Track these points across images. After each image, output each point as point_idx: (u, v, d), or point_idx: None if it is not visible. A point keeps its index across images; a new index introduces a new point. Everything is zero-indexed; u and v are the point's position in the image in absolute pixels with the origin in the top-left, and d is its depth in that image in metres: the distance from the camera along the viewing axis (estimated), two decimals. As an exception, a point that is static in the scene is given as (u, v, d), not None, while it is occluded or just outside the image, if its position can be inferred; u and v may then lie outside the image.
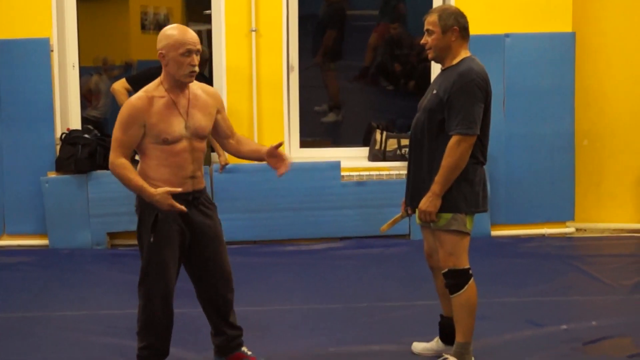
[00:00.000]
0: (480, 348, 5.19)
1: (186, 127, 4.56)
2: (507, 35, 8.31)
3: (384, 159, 8.36)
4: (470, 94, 4.64)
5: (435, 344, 5.15)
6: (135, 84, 7.67)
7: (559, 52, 8.36)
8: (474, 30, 8.14)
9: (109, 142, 8.04)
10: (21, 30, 7.98)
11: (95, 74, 10.55)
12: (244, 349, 5.02)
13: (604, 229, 8.68)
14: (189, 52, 4.47)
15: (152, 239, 4.55)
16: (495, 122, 8.20)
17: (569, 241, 8.32)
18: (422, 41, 4.85)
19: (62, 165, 7.97)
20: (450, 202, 4.71)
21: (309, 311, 6.11)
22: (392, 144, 8.38)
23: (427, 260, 5.12)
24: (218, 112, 4.78)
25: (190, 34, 4.51)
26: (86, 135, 8.06)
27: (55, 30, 8.05)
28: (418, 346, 5.21)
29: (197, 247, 4.73)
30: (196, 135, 4.62)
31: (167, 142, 4.51)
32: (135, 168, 4.59)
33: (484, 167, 4.88)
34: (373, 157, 8.41)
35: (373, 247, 7.89)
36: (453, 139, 4.62)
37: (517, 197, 8.41)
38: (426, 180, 4.77)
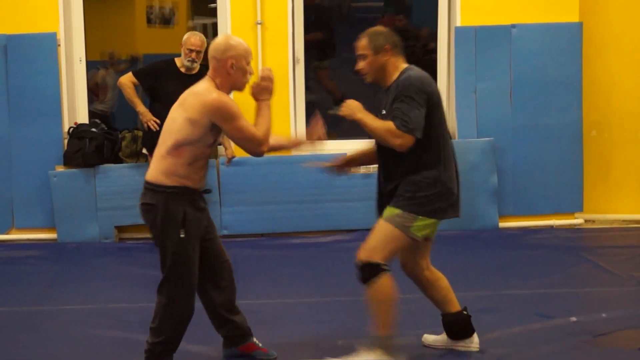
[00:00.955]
0: (489, 341, 5.19)
1: None
2: (513, 26, 8.29)
3: (391, 151, 8.34)
4: (408, 99, 4.60)
5: (446, 336, 5.14)
6: (142, 78, 7.69)
7: (566, 43, 8.34)
8: (480, 21, 8.23)
9: (116, 136, 8.15)
10: (28, 25, 8.00)
11: (102, 68, 10.56)
12: (255, 340, 5.04)
13: (613, 220, 8.67)
14: (250, 63, 4.74)
15: (182, 235, 4.55)
16: (502, 114, 8.30)
17: (578, 232, 8.31)
18: (357, 67, 4.82)
19: (70, 159, 7.99)
20: (405, 201, 4.68)
21: (316, 304, 6.10)
22: (398, 136, 8.36)
23: (403, 271, 5.03)
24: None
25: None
26: (93, 129, 8.07)
27: (62, 24, 8.06)
28: (429, 338, 5.20)
29: (208, 240, 4.81)
30: None
31: (213, 145, 4.72)
32: (161, 165, 4.60)
33: (450, 172, 4.80)
34: (380, 149, 8.39)
35: (380, 239, 7.88)
36: (393, 127, 4.61)
37: (525, 188, 8.40)
38: (394, 186, 4.78)
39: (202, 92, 4.58)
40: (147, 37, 11.43)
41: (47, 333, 5.58)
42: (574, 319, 5.60)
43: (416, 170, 4.69)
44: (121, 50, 10.93)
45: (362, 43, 4.78)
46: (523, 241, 7.93)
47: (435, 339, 5.18)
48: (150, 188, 4.58)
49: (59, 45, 8.05)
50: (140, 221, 8.08)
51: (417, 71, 4.74)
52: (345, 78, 9.79)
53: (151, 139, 7.69)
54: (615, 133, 8.64)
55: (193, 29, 10.51)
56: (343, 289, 6.46)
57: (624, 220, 8.66)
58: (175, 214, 4.54)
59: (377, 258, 4.67)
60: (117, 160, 8.11)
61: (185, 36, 7.59)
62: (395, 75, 4.75)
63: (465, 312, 5.04)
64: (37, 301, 6.31)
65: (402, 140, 4.61)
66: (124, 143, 8.11)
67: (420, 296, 5.63)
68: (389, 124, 4.62)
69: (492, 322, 5.52)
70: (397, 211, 4.69)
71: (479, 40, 8.30)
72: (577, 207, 8.48)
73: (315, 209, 8.13)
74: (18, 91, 8.04)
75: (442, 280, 5.05)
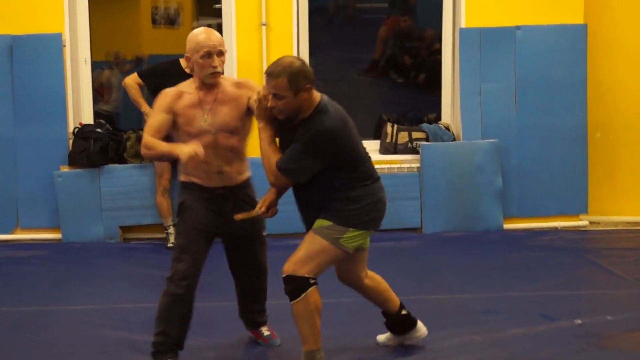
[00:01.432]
0: (493, 342, 5.20)
1: (209, 123, 4.72)
2: (518, 28, 8.29)
3: (395, 152, 8.35)
4: (307, 148, 4.44)
5: (393, 337, 5.24)
6: (147, 79, 7.69)
7: (570, 44, 8.33)
8: (485, 22, 8.23)
9: (121, 137, 8.16)
10: (33, 26, 8.01)
11: (106, 69, 10.56)
12: (263, 329, 5.27)
13: (618, 222, 8.66)
14: (209, 55, 4.67)
15: (176, 220, 4.84)
16: (507, 115, 8.30)
17: (583, 234, 8.30)
18: (270, 104, 4.49)
19: (75, 159, 7.99)
20: (337, 212, 4.59)
21: (329, 305, 6.09)
22: (403, 137, 8.37)
23: (341, 282, 5.03)
24: (250, 98, 4.77)
25: (213, 37, 4.71)
26: (98, 130, 8.08)
27: (67, 25, 8.07)
28: (381, 338, 5.26)
29: (233, 243, 4.99)
30: (222, 130, 4.76)
31: (190, 135, 4.69)
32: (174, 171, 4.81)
33: (373, 187, 4.69)
34: (384, 150, 8.40)
35: (385, 240, 7.86)
36: (274, 162, 4.52)
37: (530, 190, 8.39)
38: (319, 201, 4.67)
39: None
40: (152, 37, 11.42)
41: (52, 333, 5.58)
42: (579, 321, 5.59)
43: (345, 189, 4.60)
44: (126, 50, 10.93)
45: (280, 82, 4.40)
46: (528, 243, 7.92)
47: (387, 337, 5.24)
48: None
49: (64, 45, 8.06)
50: (145, 221, 8.13)
51: (329, 116, 4.48)
52: (349, 78, 9.81)
53: (156, 139, 7.71)
54: (620, 134, 8.63)
55: (198, 29, 10.50)
56: (347, 290, 6.44)
57: (628, 222, 8.65)
58: (179, 202, 4.84)
59: (303, 271, 4.56)
60: (122, 160, 8.12)
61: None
62: (309, 112, 4.51)
63: (403, 312, 5.12)
64: (41, 301, 6.30)
65: (275, 180, 4.58)
66: (128, 143, 8.12)
67: (422, 297, 5.67)
68: (273, 158, 4.53)
69: (497, 324, 5.52)
70: (326, 223, 4.59)
71: (483, 42, 8.30)
72: (582, 208, 8.47)
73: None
74: (23, 91, 8.05)
75: (382, 283, 5.08)
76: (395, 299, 5.10)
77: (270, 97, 4.47)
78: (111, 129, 8.28)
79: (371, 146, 8.56)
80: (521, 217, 8.42)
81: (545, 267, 7.07)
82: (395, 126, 8.43)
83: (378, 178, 4.76)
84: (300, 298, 4.55)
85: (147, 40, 11.46)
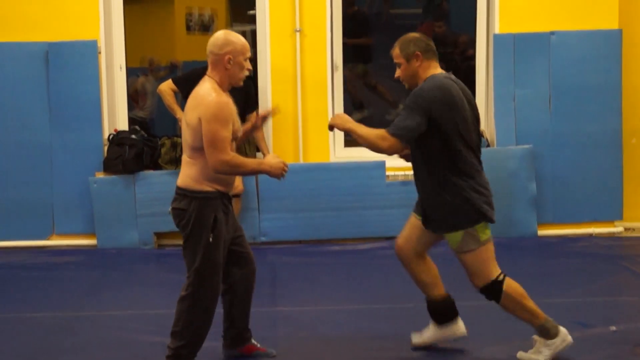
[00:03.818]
0: (528, 348, 5.16)
1: (237, 128, 4.82)
2: (552, 33, 8.25)
3: (429, 158, 8.32)
4: (408, 109, 4.70)
5: (432, 330, 5.26)
6: (181, 85, 7.72)
7: (605, 50, 8.28)
8: (519, 28, 8.19)
9: (156, 143, 8.20)
10: (69, 33, 8.08)
11: (141, 75, 10.62)
12: (254, 341, 5.19)
13: (653, 228, 8.60)
14: (248, 58, 4.78)
15: (211, 239, 4.66)
16: (541, 121, 8.26)
17: (618, 241, 8.24)
18: (396, 75, 4.93)
19: (110, 165, 8.05)
20: (452, 220, 4.84)
21: (355, 311, 6.11)
22: (437, 143, 8.34)
23: (398, 254, 5.21)
24: None
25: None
26: (133, 136, 8.12)
27: (102, 32, 8.14)
28: (415, 338, 5.30)
29: (237, 245, 4.96)
30: (237, 134, 4.87)
31: (233, 140, 4.73)
32: (188, 171, 4.74)
33: (477, 176, 4.88)
34: (418, 156, 8.38)
35: (418, 246, 7.87)
36: (385, 132, 4.72)
37: (564, 196, 8.35)
38: (434, 193, 4.88)
39: (203, 93, 4.66)
40: (186, 44, 11.48)
41: (87, 338, 5.63)
42: (613, 328, 5.56)
43: (449, 184, 4.79)
44: (161, 57, 10.99)
45: (395, 52, 4.88)
46: (562, 249, 7.88)
47: (423, 336, 5.30)
48: (182, 193, 4.73)
49: (100, 52, 8.13)
50: (180, 228, 8.08)
51: (436, 81, 4.76)
52: (385, 85, 9.81)
53: (190, 145, 7.74)
54: (656, 140, 8.58)
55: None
56: (382, 296, 6.46)
57: (664, 229, 8.59)
58: (207, 218, 4.66)
59: (490, 278, 4.91)
60: (157, 166, 8.16)
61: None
62: (422, 81, 4.84)
63: (450, 297, 5.26)
64: (77, 306, 6.36)
65: (388, 144, 4.73)
66: (163, 150, 8.15)
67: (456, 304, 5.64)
68: (382, 130, 4.75)
69: (531, 331, 5.48)
70: (458, 235, 4.85)
71: (517, 47, 8.27)
72: (616, 215, 8.42)
73: (354, 216, 8.13)
74: (59, 98, 8.13)
75: (434, 268, 5.27)
76: (442, 286, 5.27)
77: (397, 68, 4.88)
78: (146, 135, 8.33)
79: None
80: (555, 224, 8.38)
81: (579, 274, 7.03)
82: (429, 132, 8.40)
83: (478, 174, 4.90)
84: (502, 297, 4.89)
85: (181, 47, 11.52)
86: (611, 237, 8.36)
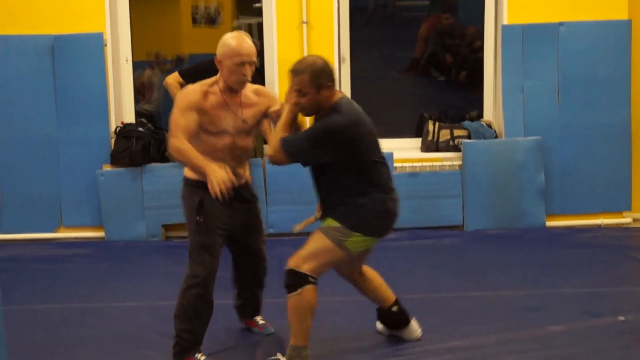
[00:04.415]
0: (535, 339, 5.17)
1: (231, 125, 4.89)
2: (561, 24, 8.22)
3: (437, 150, 8.32)
4: (311, 134, 4.60)
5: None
6: (188, 78, 7.70)
7: (614, 41, 8.25)
8: (528, 19, 8.17)
9: (163, 135, 8.21)
10: (75, 26, 8.08)
11: (148, 68, 10.61)
12: (258, 318, 5.47)
13: (662, 219, 8.58)
14: (242, 63, 4.75)
15: (198, 219, 4.81)
16: (549, 112, 8.24)
17: (626, 232, 8.22)
18: (294, 101, 4.65)
19: (117, 158, 8.05)
20: (346, 215, 4.72)
21: (362, 302, 6.08)
22: (444, 134, 8.33)
23: (337, 273, 5.21)
24: (267, 109, 5.03)
25: (247, 45, 4.77)
26: (140, 129, 8.13)
27: (108, 25, 8.13)
28: (379, 325, 5.39)
29: (238, 235, 5.09)
30: (242, 132, 4.95)
31: (211, 133, 4.83)
32: None
33: (386, 198, 4.79)
34: (426, 148, 8.37)
35: (426, 238, 7.87)
36: (278, 140, 4.62)
37: (573, 187, 8.33)
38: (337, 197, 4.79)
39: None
40: (192, 37, 11.46)
41: (95, 329, 5.64)
42: (622, 318, 5.55)
43: (355, 194, 4.71)
44: (167, 50, 10.98)
45: (303, 78, 4.59)
46: (570, 240, 7.86)
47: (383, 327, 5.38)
48: (183, 182, 5.04)
49: (106, 45, 8.12)
50: (187, 219, 8.06)
51: (341, 114, 4.59)
52: (389, 76, 9.79)
53: (197, 138, 7.74)
54: (665, 131, 8.54)
55: (238, 28, 10.52)
56: (390, 286, 6.43)
57: (673, 220, 8.56)
58: (194, 202, 4.86)
59: (305, 268, 4.69)
60: (164, 159, 8.16)
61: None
62: (327, 110, 4.67)
63: (394, 309, 5.24)
64: (85, 298, 6.37)
65: (273, 154, 4.63)
66: (170, 142, 8.14)
67: (464, 295, 5.63)
68: (281, 134, 4.64)
69: (540, 321, 5.49)
70: (335, 224, 4.72)
71: (526, 39, 8.24)
72: (625, 206, 8.40)
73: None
74: (65, 91, 8.13)
75: (376, 279, 5.26)
76: (389, 296, 5.25)
77: (294, 94, 4.63)
78: (153, 127, 8.33)
79: (413, 144, 8.58)
80: (564, 215, 8.36)
81: (588, 265, 7.01)
82: (437, 124, 8.39)
83: (391, 189, 4.83)
84: (296, 292, 4.67)
85: (187, 40, 11.50)
86: (619, 227, 8.34)
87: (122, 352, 5.23)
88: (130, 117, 8.44)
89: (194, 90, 4.82)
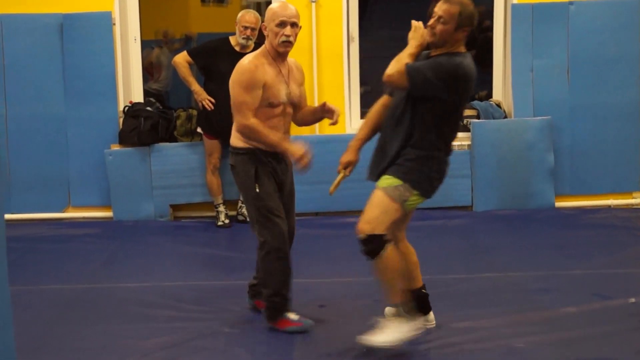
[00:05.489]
0: (545, 320, 5.15)
1: (286, 94, 5.02)
2: (571, 3, 8.17)
3: (446, 130, 8.27)
4: (432, 68, 4.58)
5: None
6: (197, 57, 7.71)
7: (624, 20, 8.20)
8: (538, -2, 8.08)
9: (171, 115, 8.19)
10: (84, 4, 8.05)
11: (156, 47, 10.60)
12: None
13: (672, 199, 8.53)
14: (284, 23, 4.88)
15: (257, 190, 4.96)
16: (559, 92, 8.20)
17: (636, 212, 8.18)
18: (430, 24, 4.67)
19: (125, 138, 8.03)
20: (406, 173, 4.70)
21: (371, 283, 6.07)
22: (454, 114, 8.29)
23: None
24: (301, 84, 5.25)
25: (288, 8, 4.95)
26: (148, 108, 8.11)
27: (117, 3, 8.10)
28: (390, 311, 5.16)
29: (280, 199, 5.17)
30: (291, 102, 5.12)
31: (271, 105, 4.96)
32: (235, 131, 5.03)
33: (447, 160, 4.81)
34: (435, 127, 8.33)
35: (435, 218, 7.84)
36: (404, 64, 4.63)
37: (582, 167, 8.30)
38: (396, 153, 4.78)
39: (242, 60, 4.98)
40: (201, 16, 11.46)
41: (104, 309, 5.63)
42: (632, 299, 5.52)
43: (423, 146, 4.69)
44: (175, 29, 10.97)
45: (453, 9, 4.61)
46: (580, 221, 7.83)
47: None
48: (231, 151, 5.10)
49: (114, 24, 8.10)
50: (195, 200, 8.16)
51: (466, 61, 4.62)
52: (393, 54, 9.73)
53: (206, 117, 7.73)
54: (675, 111, 8.48)
55: (247, 7, 10.48)
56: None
57: (683, 200, 8.52)
58: (249, 171, 4.99)
59: (380, 230, 4.65)
60: (172, 139, 8.15)
61: (240, 14, 7.60)
62: (447, 51, 4.68)
63: (424, 291, 5.14)
64: (93, 279, 6.36)
65: (394, 76, 4.63)
66: (178, 122, 8.14)
67: (473, 276, 5.60)
68: (406, 60, 4.65)
69: (549, 302, 5.47)
70: (397, 182, 4.71)
71: (535, 18, 8.19)
72: (635, 186, 8.36)
73: (370, 187, 8.04)
74: (74, 70, 8.11)
75: (413, 255, 5.13)
76: (418, 280, 5.15)
77: (434, 18, 4.66)
78: (161, 107, 8.32)
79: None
80: (573, 195, 8.33)
81: (597, 246, 6.98)
82: (446, 103, 8.35)
83: (451, 152, 4.84)
84: (379, 257, 4.64)
85: (196, 19, 11.50)
86: (629, 208, 8.31)
87: (129, 332, 5.22)
88: (138, 97, 8.42)
89: (255, 66, 4.89)
